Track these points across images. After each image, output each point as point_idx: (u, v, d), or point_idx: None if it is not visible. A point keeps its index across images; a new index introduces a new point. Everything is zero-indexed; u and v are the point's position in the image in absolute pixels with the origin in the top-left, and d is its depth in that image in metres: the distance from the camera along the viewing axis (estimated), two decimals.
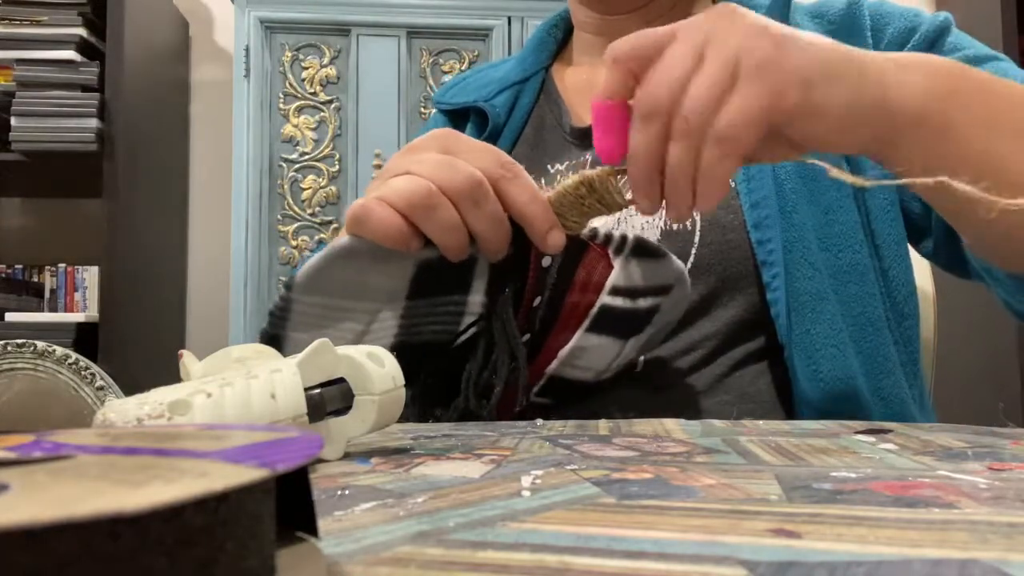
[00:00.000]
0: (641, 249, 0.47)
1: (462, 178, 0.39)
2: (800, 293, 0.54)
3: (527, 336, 0.48)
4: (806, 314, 0.54)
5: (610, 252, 0.46)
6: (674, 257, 0.48)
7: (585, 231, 0.44)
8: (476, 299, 0.46)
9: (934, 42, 0.59)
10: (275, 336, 0.43)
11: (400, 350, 0.46)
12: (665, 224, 0.57)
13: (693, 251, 0.56)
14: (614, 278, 0.47)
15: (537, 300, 0.47)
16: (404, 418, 0.47)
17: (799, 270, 0.55)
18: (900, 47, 0.59)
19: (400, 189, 0.40)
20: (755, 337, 0.55)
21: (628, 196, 0.41)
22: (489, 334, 0.47)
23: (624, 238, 0.46)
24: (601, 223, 0.48)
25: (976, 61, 0.57)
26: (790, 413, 0.54)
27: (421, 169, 0.40)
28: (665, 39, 0.38)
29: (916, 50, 0.58)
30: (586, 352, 0.48)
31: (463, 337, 0.47)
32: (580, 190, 0.41)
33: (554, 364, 0.49)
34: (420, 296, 0.44)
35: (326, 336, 0.44)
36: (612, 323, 0.48)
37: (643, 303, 0.48)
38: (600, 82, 0.39)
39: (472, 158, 0.41)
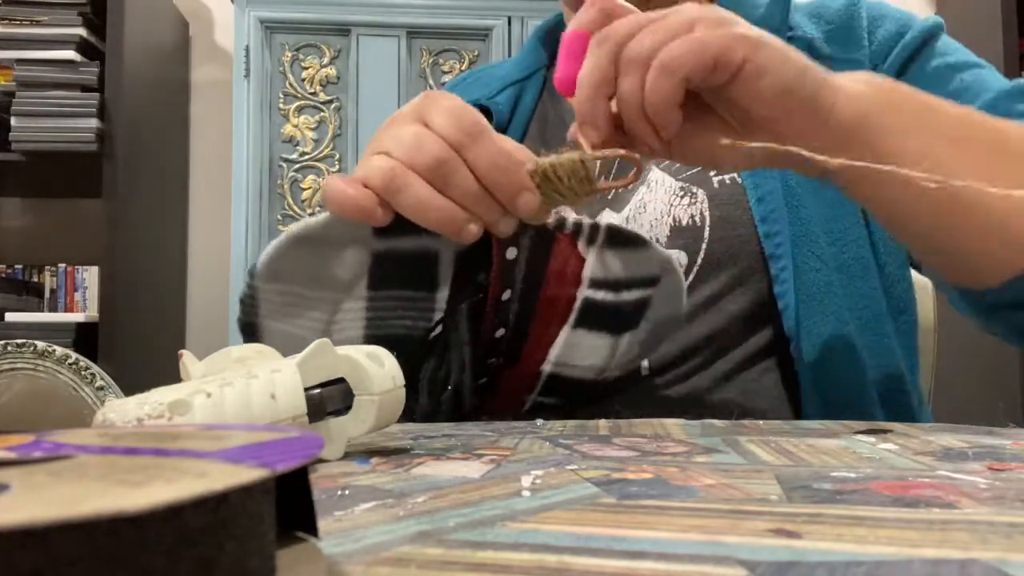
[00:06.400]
0: (616, 238, 0.45)
1: (428, 157, 0.39)
2: (808, 286, 0.55)
3: (501, 332, 0.46)
4: (814, 307, 0.54)
5: (579, 243, 0.44)
6: (657, 245, 0.46)
7: (551, 220, 0.43)
8: (443, 295, 0.45)
9: (922, 46, 0.59)
10: (250, 324, 0.43)
11: (371, 343, 0.46)
12: (674, 220, 0.57)
13: (703, 247, 0.56)
14: (590, 269, 0.45)
15: (506, 294, 0.45)
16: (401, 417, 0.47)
17: (807, 263, 0.55)
18: (889, 49, 0.59)
19: (369, 171, 0.39)
20: (760, 331, 0.56)
21: (597, 183, 0.40)
22: (447, 331, 0.45)
23: (596, 227, 0.44)
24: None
25: (958, 68, 0.58)
26: (796, 408, 0.54)
27: (393, 147, 0.40)
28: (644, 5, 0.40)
29: (903, 53, 0.59)
30: (578, 349, 0.47)
31: (433, 334, 0.46)
32: (542, 177, 0.40)
33: (548, 364, 0.48)
34: (382, 287, 0.43)
35: (295, 324, 0.44)
36: (599, 317, 0.46)
37: (628, 296, 0.46)
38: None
39: (440, 124, 0.39)
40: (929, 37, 0.59)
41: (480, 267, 0.44)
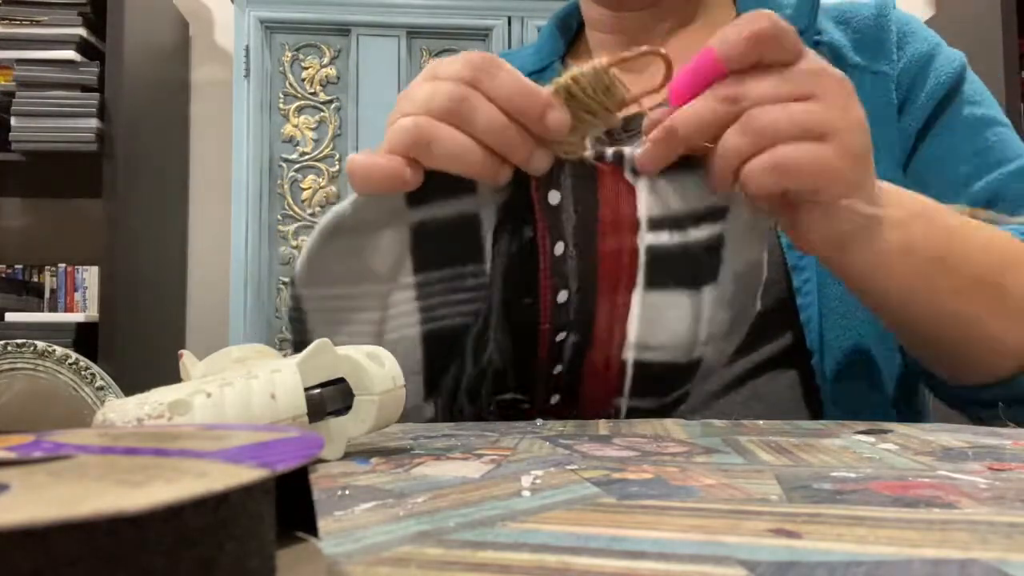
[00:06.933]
0: None
1: (443, 99, 0.37)
2: (831, 299, 0.54)
3: (564, 295, 0.41)
4: (836, 320, 0.54)
5: (626, 173, 0.40)
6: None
7: (587, 152, 0.38)
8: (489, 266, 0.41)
9: (956, 87, 0.59)
10: (303, 344, 0.40)
11: (433, 341, 0.42)
12: None
13: None
14: (645, 205, 0.39)
15: (559, 247, 0.40)
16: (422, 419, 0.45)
17: (830, 276, 0.55)
18: (916, 71, 0.59)
19: (393, 134, 0.38)
20: (776, 339, 0.55)
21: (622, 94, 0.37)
22: (487, 303, 0.41)
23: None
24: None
25: (988, 123, 0.58)
26: (816, 415, 0.54)
27: (411, 107, 0.38)
28: (801, 53, 0.38)
29: (936, 95, 0.59)
30: (657, 321, 0.41)
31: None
32: (566, 95, 0.37)
33: (630, 349, 0.41)
34: (429, 268, 0.40)
35: (347, 332, 0.41)
36: (670, 268, 0.40)
37: (696, 233, 0.40)
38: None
39: (450, 71, 0.38)
40: (959, 79, 0.60)
41: (525, 222, 0.40)
